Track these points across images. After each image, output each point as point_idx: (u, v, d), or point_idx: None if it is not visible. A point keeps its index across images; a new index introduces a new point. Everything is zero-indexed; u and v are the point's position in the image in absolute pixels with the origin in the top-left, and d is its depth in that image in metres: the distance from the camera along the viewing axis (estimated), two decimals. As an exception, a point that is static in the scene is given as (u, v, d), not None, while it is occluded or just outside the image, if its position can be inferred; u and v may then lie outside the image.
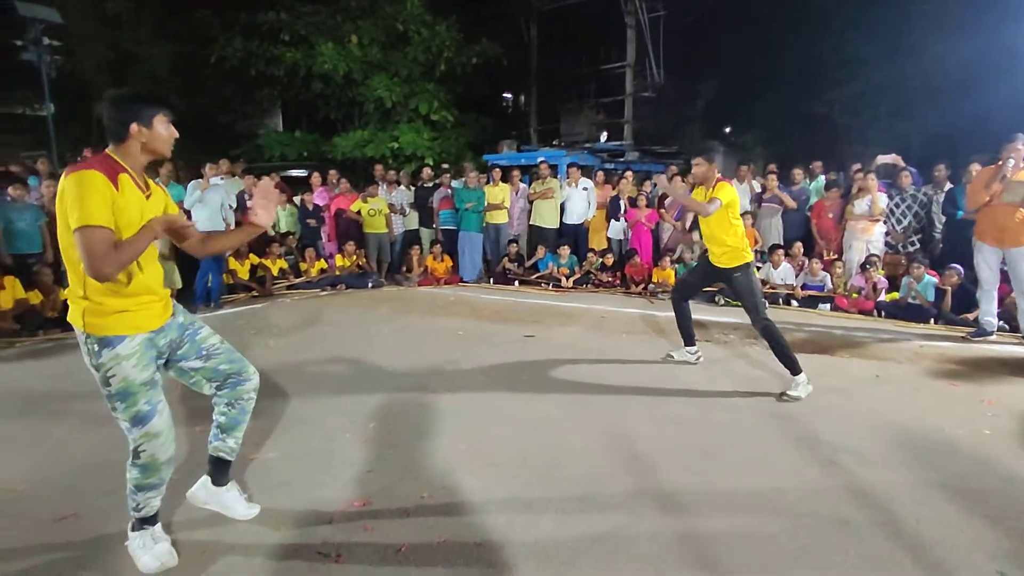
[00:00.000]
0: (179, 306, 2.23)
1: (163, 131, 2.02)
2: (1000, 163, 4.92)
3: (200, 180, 6.74)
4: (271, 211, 2.14)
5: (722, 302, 6.88)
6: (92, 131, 13.44)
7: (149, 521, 2.14)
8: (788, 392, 3.79)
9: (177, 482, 2.57)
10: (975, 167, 5.92)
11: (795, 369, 3.85)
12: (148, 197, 2.01)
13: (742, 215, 7.45)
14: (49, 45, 10.64)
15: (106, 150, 1.98)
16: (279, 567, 2.12)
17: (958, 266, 5.92)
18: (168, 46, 12.73)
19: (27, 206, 6.25)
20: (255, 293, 7.63)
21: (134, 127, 1.95)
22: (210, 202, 6.64)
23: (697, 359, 4.54)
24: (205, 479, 2.38)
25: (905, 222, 6.76)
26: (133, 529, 2.14)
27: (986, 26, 10.78)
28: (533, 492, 2.63)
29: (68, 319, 1.99)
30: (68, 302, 1.99)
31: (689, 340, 4.58)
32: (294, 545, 2.24)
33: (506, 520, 2.40)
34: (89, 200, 1.79)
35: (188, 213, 6.84)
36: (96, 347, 1.93)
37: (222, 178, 6.98)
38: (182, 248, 2.23)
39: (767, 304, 4.59)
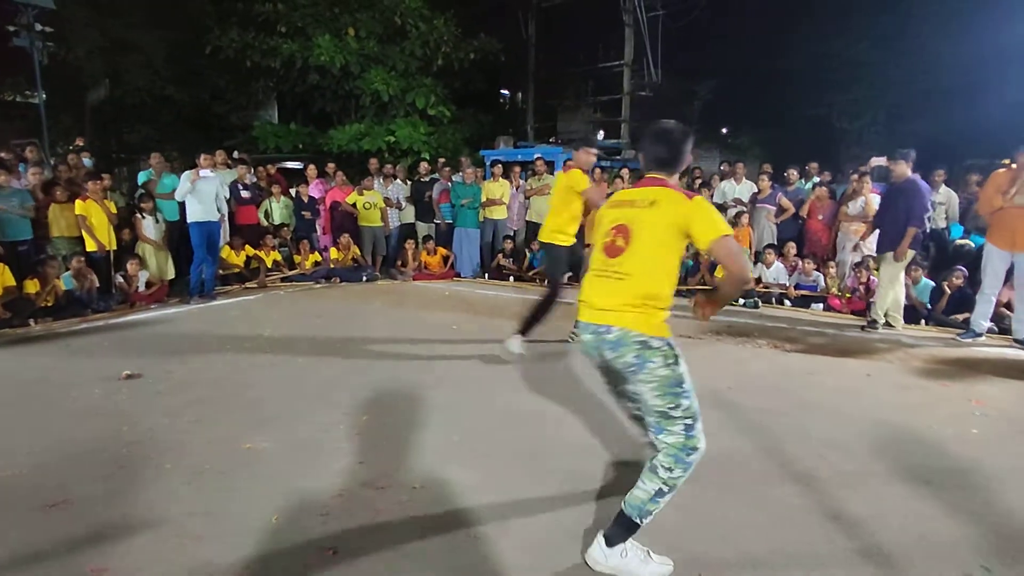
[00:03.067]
0: None
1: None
2: (1015, 167, 4.99)
3: (191, 171, 6.67)
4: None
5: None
6: (84, 119, 13.33)
7: (634, 530, 2.03)
8: (506, 341, 4.54)
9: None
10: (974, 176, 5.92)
11: (524, 332, 4.50)
12: None
13: (739, 214, 7.49)
14: (42, 31, 10.53)
15: (659, 175, 2.15)
16: (274, 555, 2.12)
17: (963, 268, 5.98)
18: (161, 34, 12.60)
19: (15, 192, 6.18)
20: (249, 284, 7.60)
21: (689, 157, 2.22)
22: (203, 193, 6.56)
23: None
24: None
25: None
26: (617, 543, 2.01)
27: (987, 30, 10.80)
28: (525, 484, 2.64)
29: (637, 327, 2.00)
30: (639, 310, 2.01)
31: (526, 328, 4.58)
32: (288, 533, 2.25)
33: (499, 511, 2.41)
34: (717, 215, 2.03)
35: (182, 205, 6.79)
36: (669, 347, 2.01)
37: (213, 170, 6.88)
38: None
39: (561, 282, 4.89)
